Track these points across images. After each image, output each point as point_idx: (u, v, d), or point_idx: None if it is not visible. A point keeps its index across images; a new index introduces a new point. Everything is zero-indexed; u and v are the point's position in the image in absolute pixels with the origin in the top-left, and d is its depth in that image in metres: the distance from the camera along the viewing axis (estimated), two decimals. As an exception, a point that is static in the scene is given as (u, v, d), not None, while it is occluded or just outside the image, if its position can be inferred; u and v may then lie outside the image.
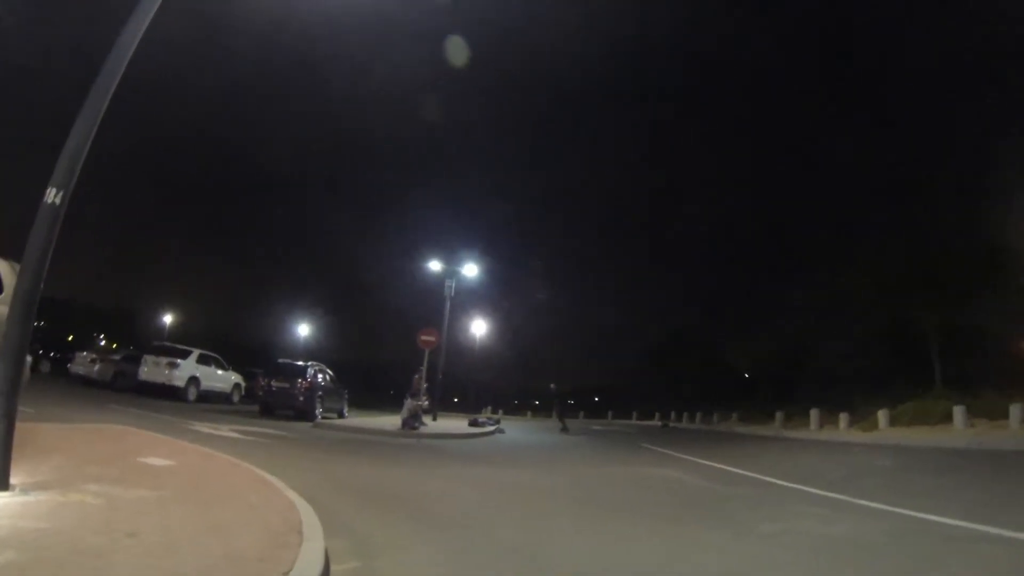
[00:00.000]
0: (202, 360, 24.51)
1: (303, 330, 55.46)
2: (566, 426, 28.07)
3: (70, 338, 61.52)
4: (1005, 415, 17.23)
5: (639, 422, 49.35)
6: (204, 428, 13.04)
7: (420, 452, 13.59)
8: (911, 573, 4.68)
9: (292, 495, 5.56)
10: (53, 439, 7.59)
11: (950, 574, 4.61)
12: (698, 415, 44.26)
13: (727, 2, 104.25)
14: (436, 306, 27.49)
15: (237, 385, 26.46)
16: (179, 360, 23.29)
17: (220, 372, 25.60)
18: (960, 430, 17.95)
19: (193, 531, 4.01)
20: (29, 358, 9.36)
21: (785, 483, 9.58)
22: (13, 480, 4.65)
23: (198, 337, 46.00)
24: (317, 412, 20.47)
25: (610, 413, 59.29)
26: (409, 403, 19.16)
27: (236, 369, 27.19)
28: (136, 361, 24.29)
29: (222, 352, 27.55)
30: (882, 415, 22.27)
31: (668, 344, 69.14)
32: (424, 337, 24.00)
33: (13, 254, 7.48)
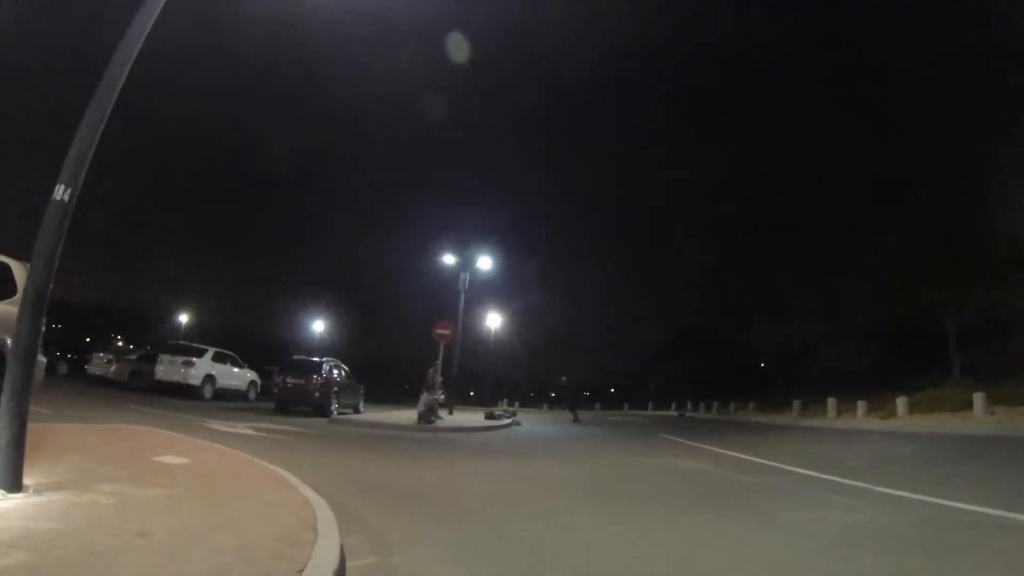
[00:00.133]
0: (217, 358, 24.60)
1: (318, 327, 55.73)
2: (577, 417, 28.30)
3: (87, 340, 61.84)
4: (1026, 402, 17.11)
5: (656, 413, 49.27)
6: (220, 426, 13.05)
7: (437, 446, 13.54)
8: (939, 562, 4.55)
9: (307, 492, 5.50)
10: (68, 439, 7.58)
11: (978, 562, 4.49)
12: (715, 405, 44.20)
13: (728, 2, 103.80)
14: (450, 300, 27.46)
15: (253, 382, 26.54)
16: (194, 359, 23.38)
17: (236, 370, 25.69)
18: (980, 417, 17.78)
19: (206, 529, 3.95)
20: (44, 359, 9.45)
21: (805, 471, 9.47)
22: (27, 481, 4.62)
23: (214, 336, 46.22)
24: (333, 408, 20.48)
25: (627, 404, 59.32)
26: (425, 397, 19.09)
27: (252, 366, 27.28)
28: (152, 361, 24.40)
29: (237, 350, 27.63)
30: (900, 403, 22.10)
31: (684, 334, 69.12)
32: (439, 330, 23.94)
33: (25, 257, 7.49)
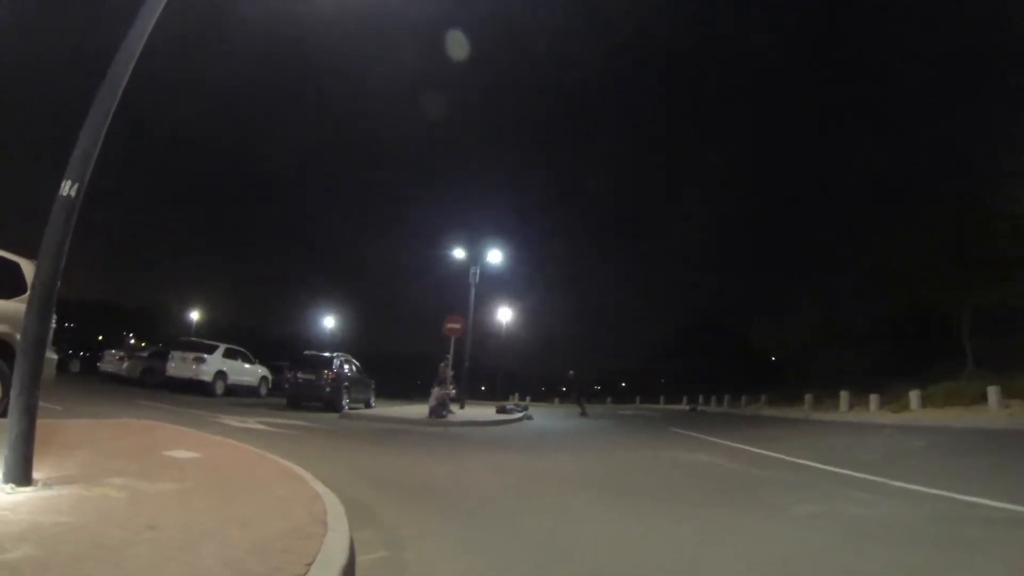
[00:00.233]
0: (229, 354, 24.69)
1: (329, 322, 55.79)
2: (585, 411, 28.46)
3: (100, 338, 62.20)
4: (1040, 396, 16.95)
5: (667, 406, 49.17)
6: (231, 421, 13.07)
7: (448, 440, 13.52)
8: (954, 556, 4.49)
9: (318, 486, 5.48)
10: (79, 434, 7.60)
11: (994, 557, 4.43)
12: (726, 398, 44.04)
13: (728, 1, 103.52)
14: (461, 294, 27.44)
15: (264, 378, 26.61)
16: (206, 355, 23.48)
17: (247, 366, 25.76)
18: (995, 411, 17.62)
19: (215, 523, 3.92)
20: (55, 357, 9.50)
21: (818, 465, 9.40)
22: (37, 475, 4.62)
23: (225, 332, 46.45)
24: (344, 403, 20.46)
25: (638, 398, 59.19)
26: (436, 391, 19.09)
27: (263, 362, 27.36)
28: (164, 357, 24.54)
29: (249, 346, 27.72)
30: (913, 396, 21.92)
31: (694, 329, 68.94)
32: (449, 324, 23.93)
33: (32, 255, 7.53)
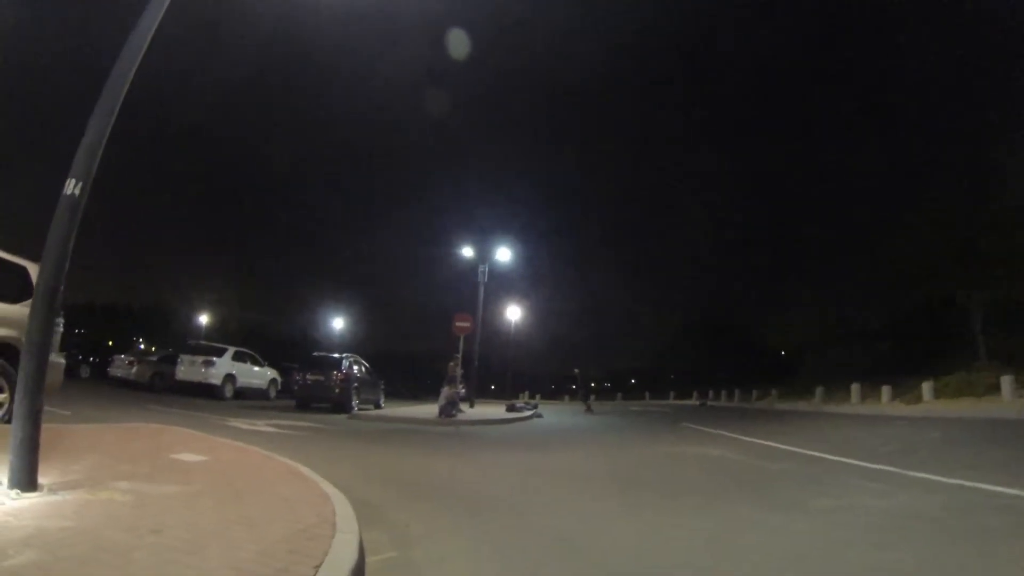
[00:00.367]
0: (237, 357, 24.68)
1: (338, 323, 55.84)
2: (590, 407, 28.62)
3: (110, 343, 62.47)
4: (1054, 385, 16.81)
5: (677, 402, 49.07)
6: (240, 424, 13.04)
7: (458, 440, 13.45)
8: (975, 546, 4.41)
9: (326, 487, 5.41)
10: (87, 439, 7.55)
11: (1018, 548, 4.34)
12: (736, 393, 43.91)
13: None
14: (470, 293, 27.38)
15: (273, 380, 26.61)
16: (214, 358, 23.48)
17: (256, 368, 25.76)
18: (1009, 401, 17.50)
19: (222, 525, 3.86)
20: (63, 361, 9.47)
21: (834, 457, 9.30)
22: (43, 480, 4.55)
23: (234, 335, 46.55)
24: (353, 404, 20.43)
25: (647, 394, 59.08)
26: (445, 391, 19.03)
27: (272, 364, 27.36)
28: (173, 361, 24.53)
29: (258, 349, 27.75)
30: (926, 387, 21.81)
31: (702, 324, 68.71)
32: (458, 323, 23.87)
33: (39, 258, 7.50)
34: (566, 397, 57.59)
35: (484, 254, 26.89)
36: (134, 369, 26.10)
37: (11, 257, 8.34)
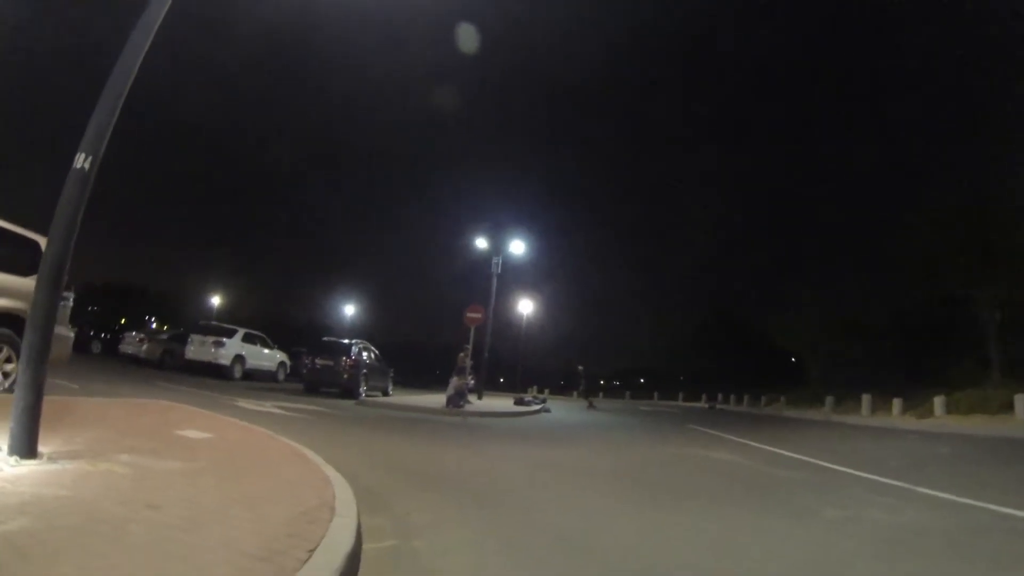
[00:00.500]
0: (247, 339, 24.76)
1: (349, 310, 55.99)
2: (592, 403, 29.58)
3: (122, 321, 62.82)
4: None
5: (685, 404, 48.94)
6: (247, 404, 13.02)
7: (464, 430, 13.38)
8: (986, 568, 4.29)
9: (329, 471, 5.34)
10: (93, 412, 7.54)
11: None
12: (745, 398, 43.75)
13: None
14: (482, 285, 27.26)
15: (282, 363, 26.67)
16: (225, 339, 23.56)
17: (266, 351, 25.84)
18: (1022, 420, 17.27)
19: (220, 504, 3.79)
20: (71, 335, 9.48)
21: (843, 468, 9.16)
22: (44, 449, 4.54)
23: (246, 317, 46.69)
24: (361, 390, 20.43)
25: (656, 394, 58.99)
26: (454, 381, 18.99)
27: (282, 348, 27.44)
28: (183, 340, 24.65)
29: (269, 332, 27.82)
30: (938, 402, 21.62)
31: (713, 326, 68.46)
32: (470, 314, 23.78)
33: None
34: (574, 393, 57.62)
35: (498, 246, 26.73)
36: (144, 347, 26.26)
37: (23, 231, 8.36)
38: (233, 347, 23.59)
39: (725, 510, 5.98)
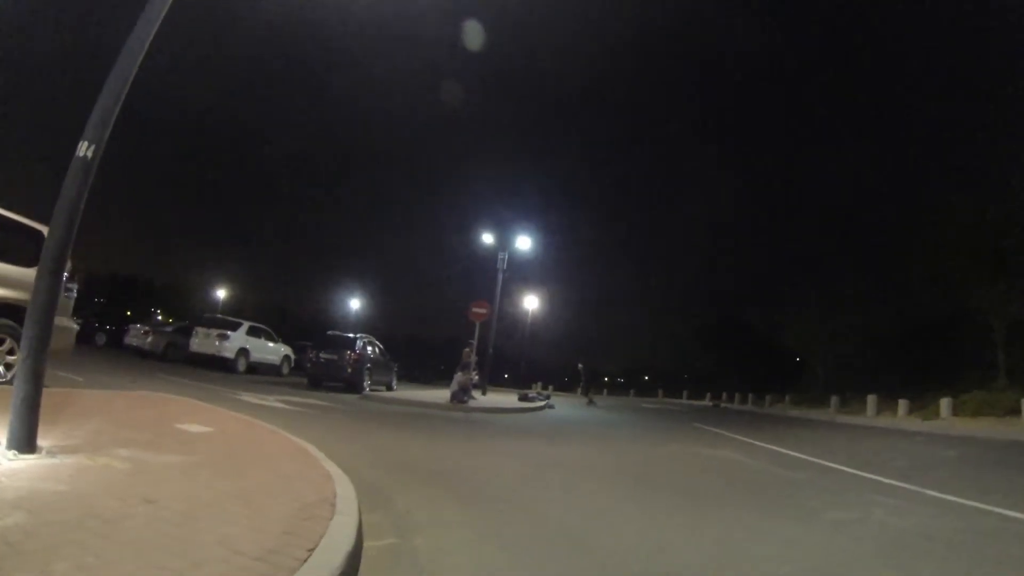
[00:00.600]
0: (252, 332, 24.74)
1: (354, 304, 56.04)
2: (592, 400, 29.67)
3: (128, 313, 62.94)
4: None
5: (690, 402, 48.84)
6: (250, 398, 12.99)
7: (468, 426, 13.32)
8: (998, 573, 4.23)
9: (330, 466, 5.30)
10: (94, 404, 7.50)
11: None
12: (750, 397, 43.64)
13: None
14: (488, 281, 27.18)
15: (287, 357, 26.65)
16: (229, 332, 23.55)
17: (270, 344, 25.80)
18: (1030, 424, 17.18)
19: (217, 499, 3.75)
20: (75, 326, 9.45)
21: (849, 469, 9.08)
22: (43, 443, 4.49)
23: (252, 311, 46.70)
24: (365, 384, 20.40)
25: (660, 392, 58.87)
26: (459, 376, 18.95)
27: (286, 341, 27.41)
28: (188, 333, 24.65)
29: (274, 325, 27.82)
30: (944, 404, 21.48)
31: (718, 325, 68.34)
32: (475, 309, 23.73)
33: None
34: (578, 389, 57.63)
35: (504, 242, 26.63)
36: (149, 339, 26.25)
37: (28, 221, 8.33)
38: (237, 340, 23.58)
39: (730, 511, 5.91)
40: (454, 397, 18.29)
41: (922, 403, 23.46)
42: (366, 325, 47.59)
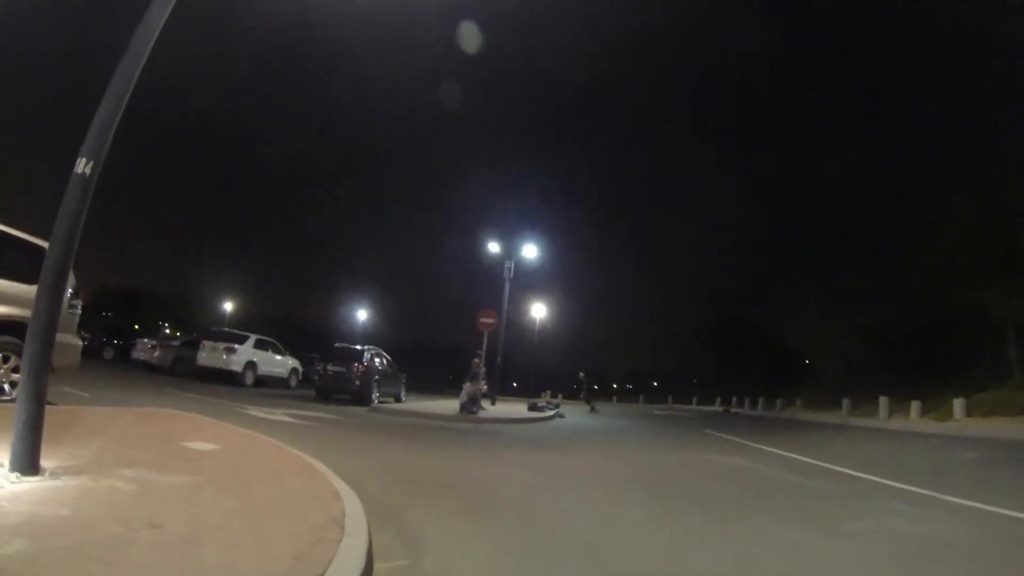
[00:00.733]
0: (259, 345, 24.69)
1: (362, 315, 56.04)
2: (594, 408, 30.00)
3: (136, 327, 63.02)
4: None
5: (700, 407, 48.61)
6: (257, 412, 12.92)
7: (478, 438, 13.22)
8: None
9: (339, 484, 5.21)
10: (100, 422, 7.42)
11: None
12: (760, 401, 43.39)
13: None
14: (495, 290, 27.04)
15: (294, 370, 26.60)
16: (236, 345, 23.50)
17: (277, 357, 25.75)
18: (1046, 423, 16.98)
19: (223, 522, 3.66)
20: (80, 343, 9.39)
21: (863, 475, 8.95)
22: (46, 464, 4.40)
23: (258, 323, 46.72)
24: (373, 396, 20.31)
25: (670, 397, 58.68)
26: (468, 387, 18.87)
27: (294, 354, 27.37)
28: (195, 347, 24.61)
29: (281, 337, 27.77)
30: (958, 404, 21.19)
31: (726, 328, 67.98)
32: (483, 319, 23.61)
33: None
34: (581, 397, 57.54)
35: (510, 250, 26.48)
36: (156, 353, 26.26)
37: (28, 237, 8.27)
38: (245, 353, 23.53)
39: (745, 520, 5.81)
40: (463, 408, 18.20)
41: (935, 404, 23.20)
42: (372, 334, 47.66)
